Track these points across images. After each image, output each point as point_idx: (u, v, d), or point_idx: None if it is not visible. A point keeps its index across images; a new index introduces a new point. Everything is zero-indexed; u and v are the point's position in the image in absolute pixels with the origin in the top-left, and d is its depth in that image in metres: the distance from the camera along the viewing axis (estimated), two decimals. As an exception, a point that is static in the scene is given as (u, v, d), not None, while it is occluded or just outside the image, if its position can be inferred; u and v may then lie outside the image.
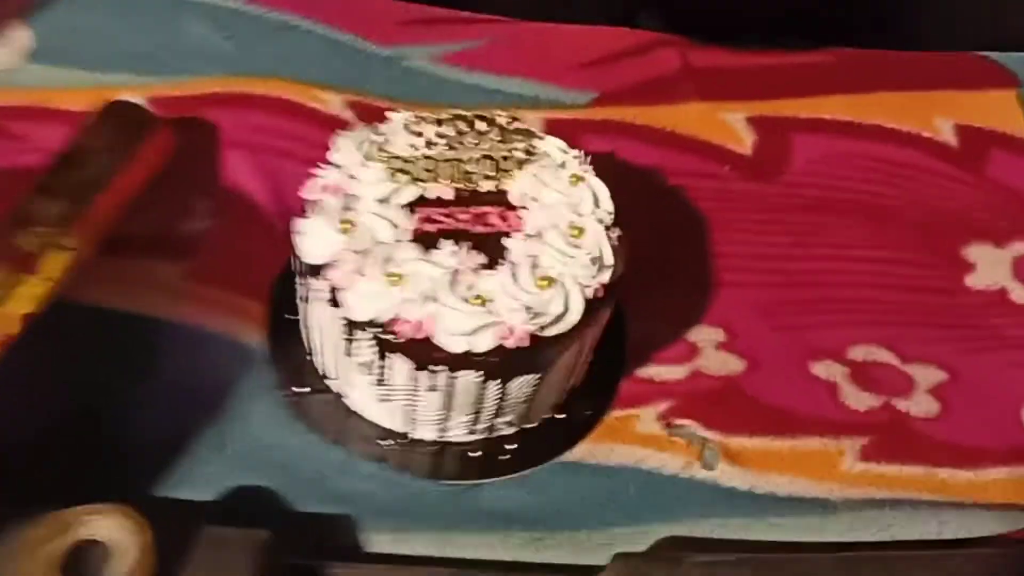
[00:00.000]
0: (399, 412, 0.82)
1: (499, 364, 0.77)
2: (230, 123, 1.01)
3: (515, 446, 0.86)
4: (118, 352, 0.85)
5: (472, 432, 0.84)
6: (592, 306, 0.79)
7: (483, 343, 0.75)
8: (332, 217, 0.79)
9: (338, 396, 0.85)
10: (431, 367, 0.76)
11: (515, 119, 0.87)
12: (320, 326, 0.81)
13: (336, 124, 1.04)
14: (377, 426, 0.85)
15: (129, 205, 0.91)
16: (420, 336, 0.75)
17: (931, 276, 1.02)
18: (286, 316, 0.88)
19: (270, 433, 0.83)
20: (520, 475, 0.84)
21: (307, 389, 0.85)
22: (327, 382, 0.86)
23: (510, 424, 0.85)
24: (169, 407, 0.83)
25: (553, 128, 1.08)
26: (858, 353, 0.96)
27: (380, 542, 0.79)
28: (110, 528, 0.67)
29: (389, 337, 0.75)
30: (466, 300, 0.76)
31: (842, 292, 1.00)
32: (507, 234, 0.81)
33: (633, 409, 0.89)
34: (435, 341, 0.75)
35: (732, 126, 1.12)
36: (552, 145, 0.88)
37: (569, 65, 1.14)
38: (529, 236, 0.81)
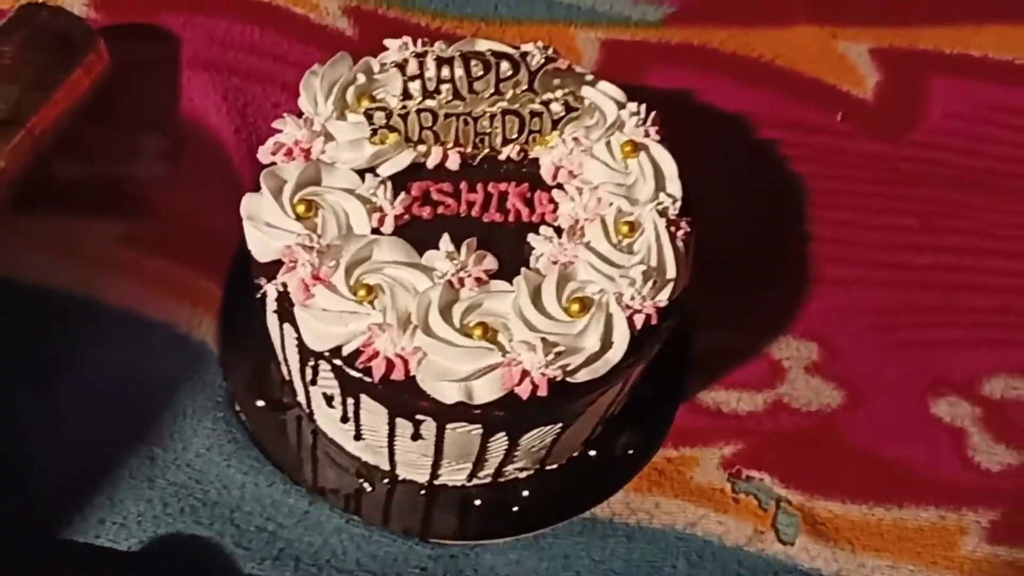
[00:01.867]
0: (381, 453, 0.63)
1: (506, 418, 0.56)
2: (192, 34, 0.78)
3: (528, 494, 0.66)
4: (26, 343, 0.66)
5: (474, 477, 0.64)
6: (643, 338, 0.58)
7: (485, 392, 0.54)
8: (287, 196, 0.57)
9: (308, 414, 0.66)
10: (412, 415, 0.56)
11: (553, 55, 0.64)
12: (278, 339, 0.61)
13: (330, 38, 0.80)
14: (354, 458, 0.65)
15: (52, 144, 0.71)
16: (399, 376, 0.55)
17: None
18: (247, 303, 0.63)
19: (215, 463, 0.64)
20: (534, 535, 0.65)
21: (262, 403, 0.66)
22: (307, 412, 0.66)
23: (523, 469, 0.65)
24: (88, 422, 0.64)
25: (612, 54, 0.84)
26: (995, 387, 0.72)
27: (344, 620, 0.61)
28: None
29: (355, 375, 0.55)
30: (463, 330, 0.55)
31: (980, 298, 0.76)
32: (533, 226, 0.60)
33: (690, 450, 0.68)
34: (420, 383, 0.55)
35: (852, 60, 0.85)
36: (604, 95, 0.64)
37: (643, -31, 0.88)
38: (562, 232, 0.59)
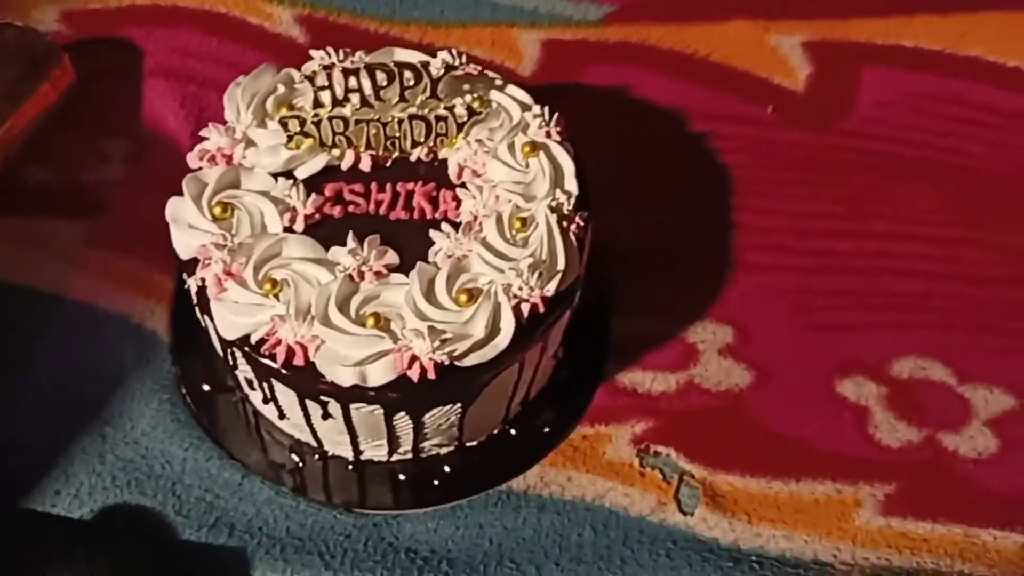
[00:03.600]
0: (304, 430, 0.69)
1: (401, 399, 0.61)
2: (154, 45, 0.84)
3: (449, 470, 0.71)
4: (-5, 332, 0.73)
5: (394, 454, 0.70)
6: (531, 326, 0.62)
7: (377, 375, 0.59)
8: (205, 199, 0.63)
9: (244, 397, 0.72)
10: (317, 397, 0.62)
11: (465, 60, 0.69)
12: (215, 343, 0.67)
13: (283, 47, 0.86)
14: (290, 436, 0.71)
15: (20, 151, 0.78)
16: (300, 362, 0.60)
17: (1014, 265, 0.79)
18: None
19: (159, 440, 0.70)
20: (451, 506, 0.70)
21: (207, 388, 0.73)
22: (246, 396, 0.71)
23: (441, 446, 0.70)
24: (47, 400, 0.71)
25: (552, 53, 0.88)
26: (903, 367, 0.75)
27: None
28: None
29: (263, 361, 0.61)
30: (358, 320, 0.60)
31: (896, 282, 0.78)
32: (436, 223, 0.65)
33: (605, 427, 0.73)
34: (320, 368, 0.60)
35: (784, 53, 0.88)
36: (511, 98, 0.69)
37: (584, -31, 0.92)
38: (460, 227, 0.64)
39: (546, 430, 0.73)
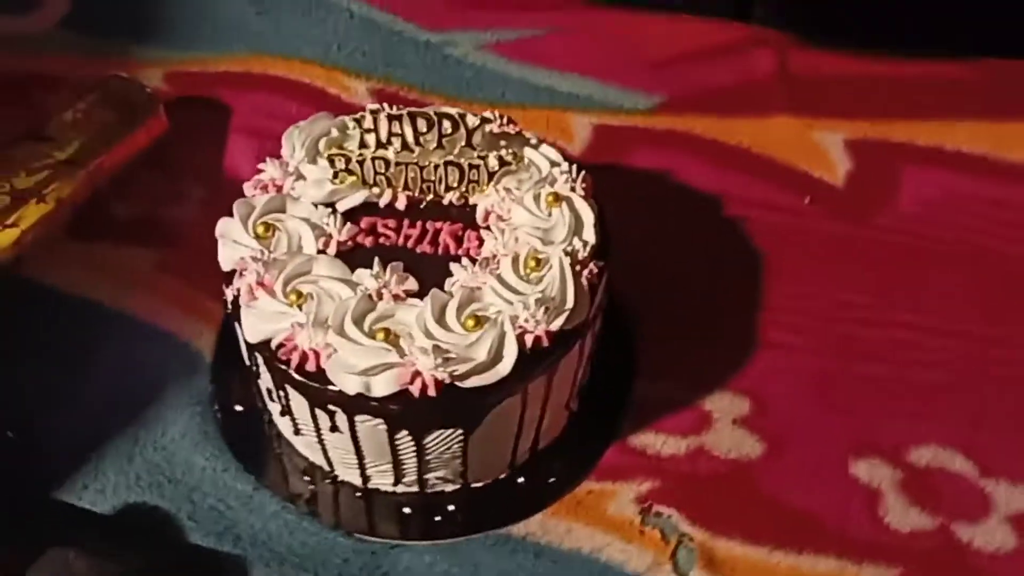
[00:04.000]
0: (316, 449, 0.72)
1: (402, 414, 0.64)
2: (244, 106, 0.93)
3: (453, 508, 0.73)
4: (58, 340, 0.79)
5: (400, 483, 0.72)
6: (534, 356, 0.65)
7: (381, 386, 0.63)
8: (252, 220, 0.69)
9: (270, 419, 0.76)
10: (325, 406, 0.65)
11: (507, 120, 0.74)
12: (240, 339, 0.72)
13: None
14: (304, 459, 0.74)
15: (109, 185, 0.86)
16: (312, 368, 0.64)
17: (1049, 367, 0.78)
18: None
19: (185, 448, 0.74)
20: (450, 543, 0.71)
21: (239, 408, 0.77)
22: (270, 414, 0.75)
23: (446, 480, 0.72)
24: (93, 403, 0.76)
25: (601, 136, 0.93)
26: (922, 455, 0.74)
27: (267, 593, 0.69)
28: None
29: (281, 366, 0.65)
30: (369, 333, 0.64)
31: (921, 372, 0.78)
32: (457, 258, 0.69)
33: (610, 483, 0.73)
34: (329, 376, 0.64)
35: (825, 149, 0.91)
36: (543, 155, 0.74)
37: (639, 62, 0.97)
38: (478, 263, 0.68)
39: (552, 480, 0.74)
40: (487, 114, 0.74)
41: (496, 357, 0.64)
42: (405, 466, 0.69)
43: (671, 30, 1.00)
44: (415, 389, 0.62)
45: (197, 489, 0.73)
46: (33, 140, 0.83)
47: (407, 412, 0.64)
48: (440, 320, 0.64)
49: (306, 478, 0.73)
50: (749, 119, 0.93)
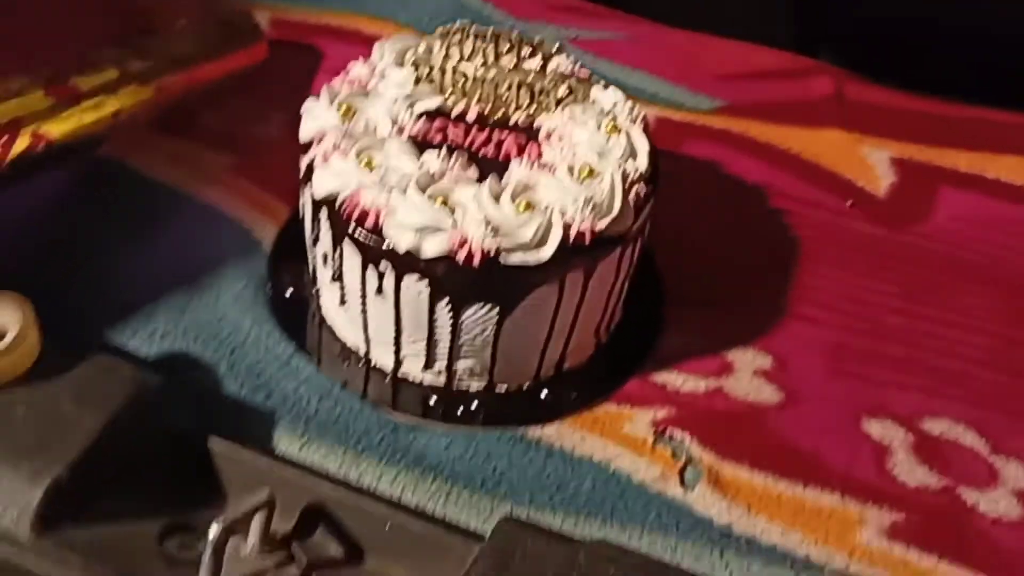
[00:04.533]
0: (357, 322, 0.76)
1: (445, 277, 0.68)
2: (336, 54, 1.01)
3: (477, 404, 0.75)
4: (139, 215, 0.85)
5: (429, 368, 0.75)
6: (575, 249, 0.69)
7: (432, 246, 0.67)
8: (335, 99, 0.75)
9: (318, 308, 0.80)
10: (377, 262, 0.70)
11: (581, 66, 0.81)
12: (304, 214, 0.77)
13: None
14: (343, 344, 0.78)
15: (202, 93, 0.94)
16: (370, 224, 0.69)
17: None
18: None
19: (234, 311, 0.78)
20: (468, 430, 0.74)
21: (289, 291, 0.81)
22: (318, 294, 0.80)
23: (472, 375, 0.75)
24: (156, 267, 0.81)
25: (662, 128, 0.99)
26: (935, 426, 0.76)
27: (289, 443, 0.71)
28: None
29: (342, 221, 0.69)
30: (429, 197, 0.69)
31: (940, 360, 0.80)
32: (518, 161, 0.74)
33: (628, 407, 0.76)
34: (384, 233, 0.68)
35: (871, 163, 0.96)
36: (608, 94, 0.80)
37: (708, 74, 1.04)
38: (536, 166, 0.73)
39: (572, 396, 0.77)
40: (562, 57, 0.81)
41: (540, 241, 0.68)
42: (438, 347, 0.73)
43: (738, 52, 1.07)
44: (461, 255, 0.67)
45: (239, 347, 0.77)
46: (147, 35, 0.91)
47: (450, 277, 0.68)
48: (495, 198, 0.69)
49: (342, 361, 0.77)
50: (802, 128, 0.98)
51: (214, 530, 0.59)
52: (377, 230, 0.68)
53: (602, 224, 0.70)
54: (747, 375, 0.78)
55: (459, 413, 0.75)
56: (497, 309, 0.70)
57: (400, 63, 0.80)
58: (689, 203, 0.91)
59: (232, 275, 0.81)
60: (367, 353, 0.77)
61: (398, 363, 0.76)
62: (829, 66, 1.06)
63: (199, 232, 0.85)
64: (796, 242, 0.90)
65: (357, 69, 0.79)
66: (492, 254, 0.67)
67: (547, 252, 0.68)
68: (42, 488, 0.59)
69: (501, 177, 0.72)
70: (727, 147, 0.97)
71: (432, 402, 0.75)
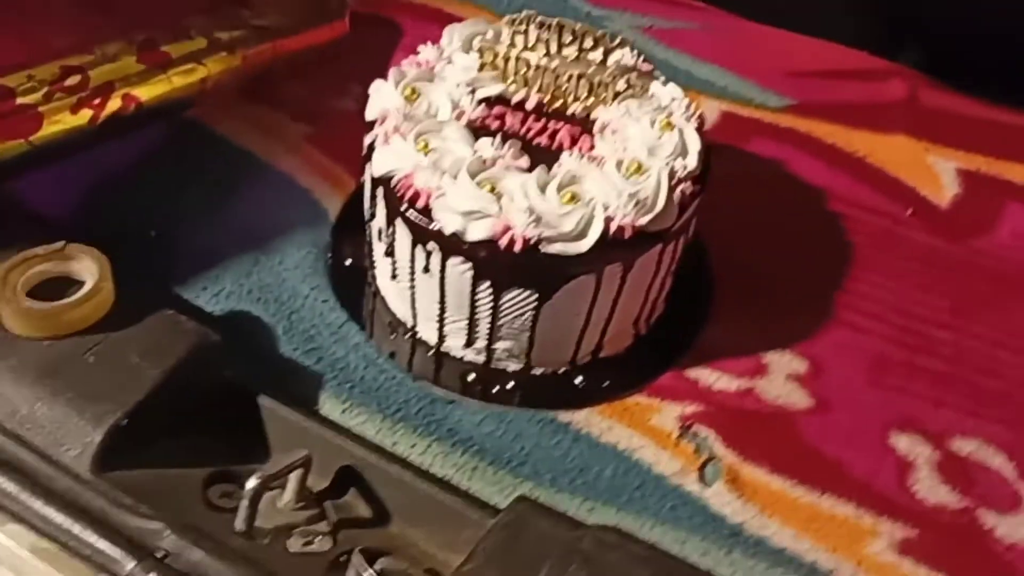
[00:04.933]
0: (406, 297, 0.79)
1: (487, 261, 0.71)
2: (415, 31, 1.04)
3: (512, 385, 0.79)
4: (211, 172, 0.90)
5: (470, 346, 0.78)
6: (614, 243, 0.71)
7: (476, 231, 0.70)
8: (401, 83, 0.79)
9: (372, 280, 0.84)
10: (425, 242, 0.73)
11: (643, 58, 0.82)
12: (364, 189, 0.81)
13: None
14: (392, 315, 0.82)
15: (286, 63, 0.98)
16: (421, 205, 0.72)
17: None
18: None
19: (295, 278, 0.83)
20: (501, 409, 0.77)
21: (348, 260, 0.86)
22: (373, 265, 0.84)
23: (511, 356, 0.78)
24: (228, 228, 0.86)
25: (728, 122, 1.00)
26: (964, 446, 0.76)
27: (333, 407, 0.76)
28: (72, 263, 0.73)
29: (395, 199, 0.73)
30: (478, 183, 0.71)
31: (979, 378, 0.80)
32: (569, 152, 0.76)
33: (658, 400, 0.78)
34: (433, 215, 0.72)
35: (937, 172, 0.95)
36: (666, 90, 0.81)
37: (777, 69, 1.04)
38: (586, 157, 0.75)
39: (605, 384, 0.79)
40: (626, 49, 0.83)
41: (581, 233, 0.70)
42: (479, 327, 0.76)
43: (812, 49, 1.06)
44: (504, 241, 0.70)
45: (296, 312, 0.81)
46: (236, 6, 0.96)
47: (492, 261, 0.71)
48: (541, 188, 0.71)
49: (390, 332, 0.82)
50: (870, 132, 0.98)
51: (251, 483, 0.64)
52: (427, 211, 0.72)
53: (644, 220, 0.72)
54: (780, 378, 0.80)
55: (495, 391, 0.78)
56: (536, 295, 0.73)
57: (467, 49, 0.82)
58: (747, 201, 0.92)
59: (298, 242, 0.86)
60: (414, 327, 0.81)
61: (441, 339, 0.79)
62: (906, 68, 1.04)
63: (272, 199, 0.90)
64: (850, 247, 0.90)
65: (426, 52, 0.82)
66: (533, 242, 0.70)
67: (586, 244, 0.71)
68: (103, 430, 0.65)
69: (551, 167, 0.74)
70: (792, 146, 0.97)
71: (471, 379, 0.79)
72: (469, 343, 0.78)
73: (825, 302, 0.85)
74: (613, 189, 0.72)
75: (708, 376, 0.80)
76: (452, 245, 0.72)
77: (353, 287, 0.84)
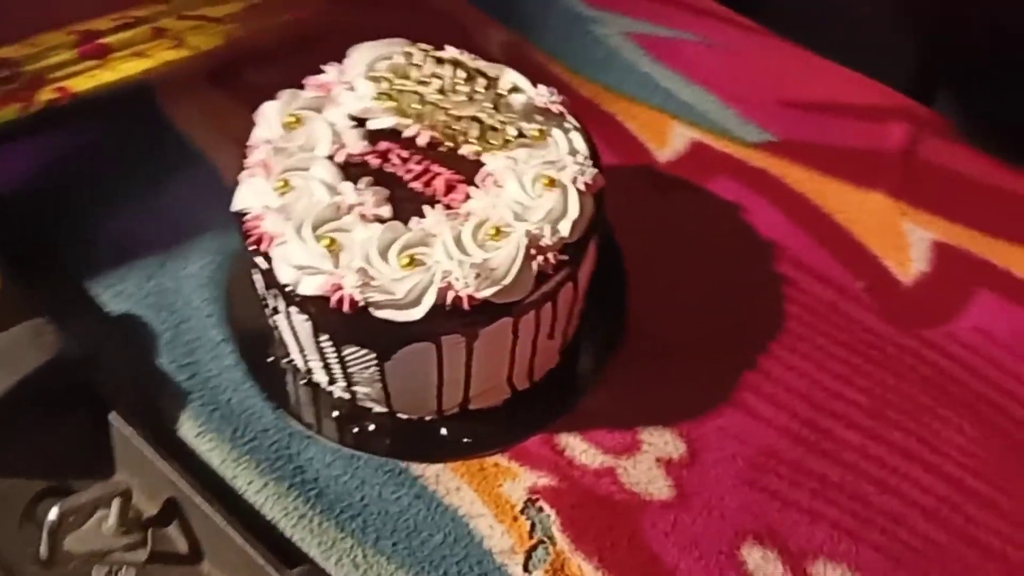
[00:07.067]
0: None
1: (320, 318, 0.69)
2: (394, 21, 0.98)
3: (373, 428, 0.77)
4: (156, 167, 0.90)
5: (333, 384, 0.77)
6: (451, 313, 0.67)
7: (308, 286, 0.68)
8: (286, 108, 0.76)
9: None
10: (269, 287, 0.71)
11: (557, 98, 0.76)
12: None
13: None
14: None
15: (252, 51, 0.97)
16: (265, 249, 0.70)
17: (1017, 543, 0.69)
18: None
19: (188, 286, 0.83)
20: (352, 453, 0.76)
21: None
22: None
23: (372, 399, 0.76)
24: (149, 224, 0.86)
25: (696, 153, 0.91)
26: (824, 572, 0.68)
27: (190, 428, 0.76)
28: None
29: (245, 237, 0.72)
30: (319, 237, 0.69)
31: (874, 495, 0.72)
32: (437, 202, 0.72)
33: (517, 464, 0.75)
34: (272, 263, 0.70)
35: (909, 242, 0.84)
36: (569, 141, 0.74)
37: (770, 97, 0.94)
38: (450, 214, 0.71)
39: (467, 441, 0.77)
40: (542, 88, 0.76)
41: (414, 301, 0.67)
42: (333, 370, 0.75)
43: (819, 76, 0.95)
44: (334, 300, 0.68)
45: (185, 323, 0.82)
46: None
47: (325, 318, 0.69)
48: (382, 250, 0.68)
49: (267, 357, 0.81)
50: (846, 184, 0.87)
51: (53, 513, 0.66)
52: (268, 256, 0.70)
53: (487, 292, 0.67)
54: (648, 462, 0.74)
55: (356, 432, 0.77)
56: (374, 355, 0.71)
57: (369, 75, 0.78)
58: (685, 248, 0.85)
59: (206, 247, 0.86)
60: (287, 352, 0.80)
61: (308, 370, 0.79)
62: (922, 111, 0.91)
63: (194, 195, 0.90)
64: (779, 319, 0.81)
65: (329, 73, 0.79)
66: (362, 305, 0.67)
67: (419, 312, 0.67)
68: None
69: (408, 221, 0.71)
70: (755, 191, 0.88)
71: (335, 415, 0.78)
72: (331, 382, 0.77)
73: (729, 378, 0.78)
74: (460, 256, 0.68)
75: (577, 445, 0.75)
76: (289, 296, 0.70)
77: (243, 304, 0.84)
